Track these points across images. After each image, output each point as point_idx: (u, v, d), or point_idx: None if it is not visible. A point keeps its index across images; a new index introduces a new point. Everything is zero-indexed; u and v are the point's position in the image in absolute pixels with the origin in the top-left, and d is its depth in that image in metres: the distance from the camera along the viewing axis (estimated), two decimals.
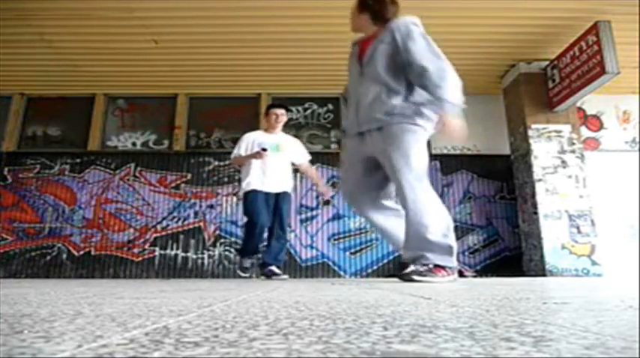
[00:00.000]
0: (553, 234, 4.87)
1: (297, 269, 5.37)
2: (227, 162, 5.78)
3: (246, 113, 5.97)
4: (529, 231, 5.18)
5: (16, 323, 0.51)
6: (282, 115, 3.90)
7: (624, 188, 5.52)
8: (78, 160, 5.83)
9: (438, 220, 2.23)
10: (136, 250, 5.48)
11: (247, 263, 3.79)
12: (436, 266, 2.17)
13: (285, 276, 3.71)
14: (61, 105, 6.08)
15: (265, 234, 3.76)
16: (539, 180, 5.05)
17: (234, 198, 5.66)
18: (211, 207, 5.64)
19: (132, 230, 5.55)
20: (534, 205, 5.03)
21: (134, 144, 5.98)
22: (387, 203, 2.54)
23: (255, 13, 4.43)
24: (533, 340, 0.40)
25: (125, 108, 6.15)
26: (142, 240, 5.51)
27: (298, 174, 5.15)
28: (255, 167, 3.71)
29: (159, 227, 5.57)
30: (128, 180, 5.75)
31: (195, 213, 5.62)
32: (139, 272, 5.39)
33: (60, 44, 5.01)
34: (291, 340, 0.40)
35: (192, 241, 5.50)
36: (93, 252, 5.46)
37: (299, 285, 1.85)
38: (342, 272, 5.42)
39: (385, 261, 5.46)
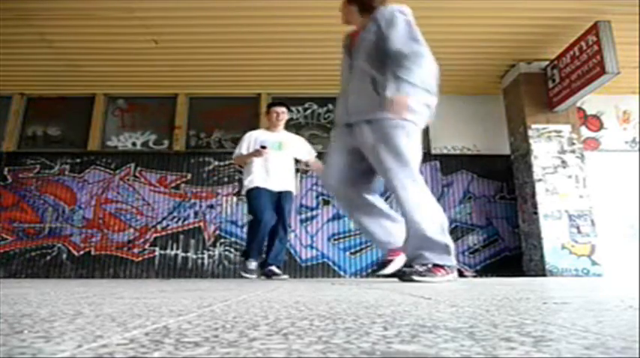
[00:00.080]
0: (553, 234, 4.87)
1: (297, 269, 5.37)
2: (227, 162, 5.78)
3: (246, 113, 5.97)
4: (529, 231, 5.18)
5: (16, 323, 0.51)
6: (282, 113, 3.87)
7: (624, 188, 5.52)
8: (78, 160, 5.83)
9: (432, 219, 2.22)
10: (136, 250, 5.48)
11: (253, 265, 3.61)
12: (435, 265, 2.16)
13: (285, 276, 3.70)
14: (61, 105, 6.08)
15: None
16: (539, 180, 5.05)
17: (234, 198, 5.66)
18: (211, 207, 5.64)
19: (132, 230, 5.55)
20: (534, 205, 5.03)
21: (134, 144, 5.98)
22: (370, 198, 2.49)
23: (256, 13, 4.43)
24: (533, 340, 0.40)
25: (125, 108, 6.15)
26: (142, 240, 5.51)
27: (299, 174, 5.15)
28: (258, 165, 3.68)
29: (159, 227, 5.57)
30: (128, 180, 5.75)
31: (195, 213, 5.62)
32: (139, 272, 5.39)
33: (60, 44, 5.01)
34: (291, 340, 0.40)
35: (192, 241, 5.50)
36: (93, 252, 5.46)
37: (299, 285, 1.85)
38: (342, 272, 5.42)
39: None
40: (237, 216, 5.58)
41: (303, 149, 3.93)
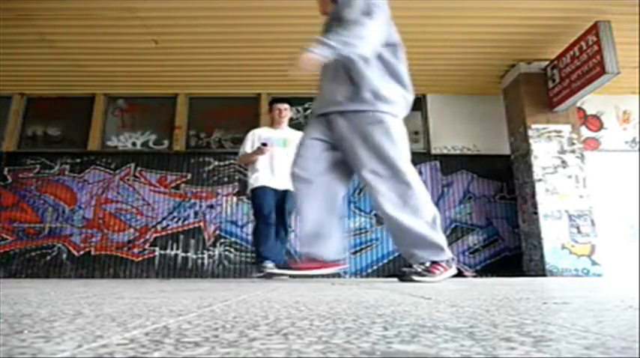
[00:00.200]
0: (553, 234, 4.87)
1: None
2: (227, 162, 5.78)
3: (246, 113, 5.97)
4: (529, 231, 5.18)
5: (16, 323, 0.51)
6: (285, 110, 3.82)
7: (624, 188, 5.52)
8: (78, 160, 5.83)
9: (420, 216, 2.16)
10: (136, 250, 5.48)
11: (270, 265, 3.45)
12: (433, 263, 2.15)
13: (286, 276, 3.68)
14: (61, 105, 6.08)
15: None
16: (539, 180, 5.05)
17: (234, 198, 5.66)
18: (211, 207, 5.64)
19: (132, 230, 5.55)
20: (534, 205, 5.03)
21: (134, 144, 5.98)
22: (335, 194, 2.35)
23: (256, 13, 4.43)
24: (533, 340, 0.40)
25: (125, 108, 6.15)
26: (142, 240, 5.51)
27: None
28: (264, 163, 3.61)
29: (159, 227, 5.57)
30: (128, 180, 5.75)
31: (195, 213, 5.62)
32: (139, 272, 5.39)
33: (60, 44, 5.01)
34: (291, 340, 0.40)
35: (192, 241, 5.50)
36: (93, 252, 5.46)
37: (299, 285, 1.85)
38: (342, 272, 5.42)
39: (385, 261, 5.46)
40: (237, 216, 5.58)
41: None
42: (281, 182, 3.57)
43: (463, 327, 0.48)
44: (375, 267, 5.44)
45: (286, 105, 3.85)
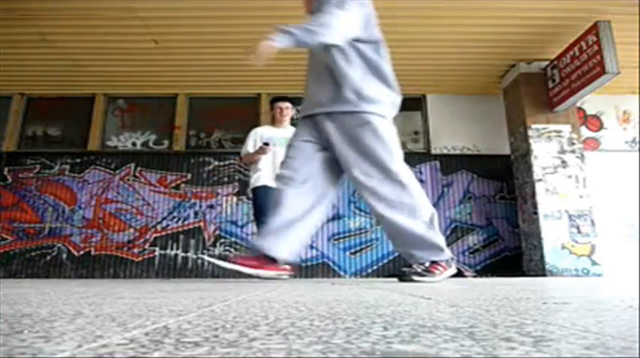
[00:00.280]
0: (553, 234, 4.87)
1: (297, 269, 5.36)
2: (227, 162, 5.78)
3: (246, 113, 5.97)
4: (529, 231, 5.18)
5: (16, 323, 0.51)
6: (287, 108, 3.77)
7: (624, 188, 5.52)
8: (78, 160, 5.83)
9: (417, 215, 2.13)
10: (136, 250, 5.48)
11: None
12: (432, 263, 2.14)
13: (286, 276, 3.67)
14: (61, 105, 6.08)
15: None
16: (539, 180, 5.05)
17: (234, 198, 5.66)
18: (211, 207, 5.64)
19: (132, 230, 5.55)
20: (534, 205, 5.03)
21: (134, 144, 5.98)
22: (323, 200, 2.29)
23: (256, 13, 4.43)
24: (533, 340, 0.40)
25: (125, 108, 6.15)
26: (142, 240, 5.51)
27: None
28: (266, 163, 3.58)
29: (159, 227, 5.57)
30: (128, 180, 5.76)
31: (195, 213, 5.62)
32: (139, 272, 5.39)
33: (60, 44, 5.01)
34: (291, 340, 0.40)
35: (192, 241, 5.50)
36: (93, 252, 5.46)
37: (299, 285, 1.85)
38: (342, 272, 5.42)
39: (385, 260, 5.46)
40: (237, 216, 5.58)
41: None
42: None
43: (463, 327, 0.48)
44: (375, 267, 5.44)
45: (288, 104, 3.81)
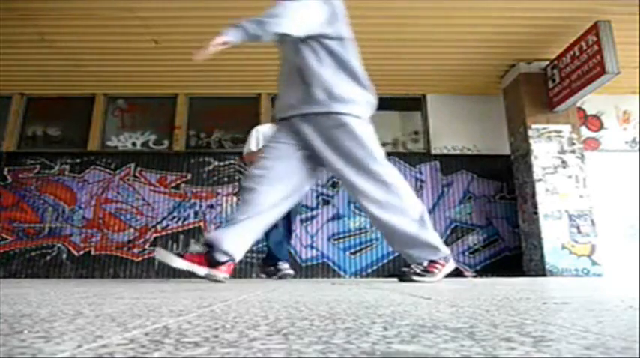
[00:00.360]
0: (553, 234, 4.87)
1: (297, 269, 5.37)
2: (227, 162, 5.78)
3: (246, 113, 5.96)
4: (529, 231, 5.18)
5: (16, 323, 0.51)
6: None
7: (624, 188, 5.52)
8: (78, 160, 5.83)
9: (408, 215, 2.10)
10: (136, 250, 5.48)
11: (285, 265, 3.44)
12: (431, 261, 2.12)
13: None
14: (61, 105, 6.08)
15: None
16: (539, 180, 5.05)
17: (235, 198, 5.66)
18: (211, 207, 5.64)
19: (132, 230, 5.55)
20: (534, 205, 5.03)
21: (134, 144, 5.98)
22: (289, 200, 2.24)
23: (255, 13, 4.43)
24: (533, 340, 0.40)
25: (125, 108, 6.15)
26: (142, 240, 5.51)
27: None
28: None
29: (159, 227, 5.57)
30: (128, 180, 5.76)
31: (195, 213, 5.62)
32: (139, 272, 5.39)
33: (60, 44, 5.01)
34: (291, 340, 0.40)
35: (193, 241, 5.50)
36: (93, 252, 5.46)
37: (299, 285, 1.85)
38: (342, 272, 5.42)
39: (385, 260, 5.46)
40: None
41: None
42: None
43: (463, 327, 0.48)
44: (375, 267, 5.44)
45: None
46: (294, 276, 3.80)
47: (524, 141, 5.28)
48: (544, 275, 4.75)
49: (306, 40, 2.11)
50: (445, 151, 5.89)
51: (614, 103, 5.96)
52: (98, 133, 5.95)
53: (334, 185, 5.60)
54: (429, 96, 6.06)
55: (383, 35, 4.81)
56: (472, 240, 5.59)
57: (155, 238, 5.52)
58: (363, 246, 5.52)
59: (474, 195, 5.75)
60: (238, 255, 2.18)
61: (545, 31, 4.81)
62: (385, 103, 6.19)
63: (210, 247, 2.11)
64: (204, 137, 6.00)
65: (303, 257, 5.46)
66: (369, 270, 5.42)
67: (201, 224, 5.57)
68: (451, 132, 5.95)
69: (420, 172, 5.80)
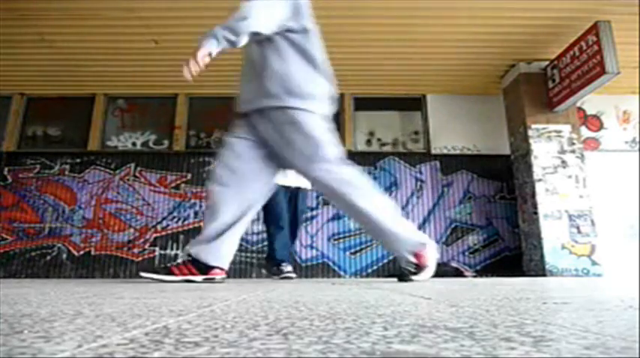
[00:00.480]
0: (553, 234, 4.87)
1: (297, 269, 5.36)
2: None
3: None
4: (529, 231, 5.18)
5: (16, 323, 0.51)
6: None
7: (624, 188, 5.52)
8: (78, 160, 5.83)
9: (379, 212, 2.05)
10: (136, 250, 5.48)
11: (289, 267, 3.37)
12: (415, 255, 2.08)
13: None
14: (61, 105, 6.08)
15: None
16: (539, 180, 5.05)
17: None
18: None
19: (132, 230, 5.55)
20: (534, 205, 5.04)
21: (134, 144, 5.98)
22: (255, 197, 2.22)
23: None
24: (533, 340, 0.40)
25: (125, 108, 6.15)
26: (142, 240, 5.51)
27: None
28: None
29: (159, 227, 5.57)
30: (128, 180, 5.76)
31: (196, 213, 5.62)
32: (139, 272, 5.38)
33: (60, 44, 5.01)
34: (291, 340, 0.40)
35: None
36: (93, 252, 5.46)
37: (299, 285, 1.85)
38: (342, 272, 5.42)
39: (385, 260, 5.46)
40: None
41: None
42: (293, 178, 3.29)
43: (463, 327, 0.48)
44: (375, 267, 5.44)
45: None
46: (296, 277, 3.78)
47: (524, 141, 5.28)
48: (544, 275, 4.75)
49: (270, 34, 2.09)
50: (445, 151, 5.90)
51: (614, 103, 5.97)
52: (98, 133, 5.96)
53: None
54: (429, 96, 6.06)
55: (383, 35, 4.81)
56: (472, 240, 5.59)
57: (155, 238, 5.52)
58: (363, 246, 5.52)
59: (474, 195, 5.75)
60: (226, 265, 2.20)
61: (545, 31, 4.81)
62: (385, 103, 6.23)
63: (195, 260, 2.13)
64: (204, 137, 6.00)
65: (303, 257, 5.46)
66: (369, 270, 5.42)
67: (202, 224, 5.56)
68: (451, 132, 5.95)
69: (420, 172, 5.80)
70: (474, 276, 4.99)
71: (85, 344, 0.37)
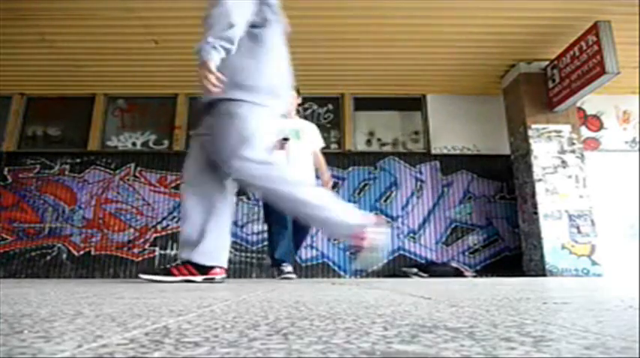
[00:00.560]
0: (553, 234, 4.87)
1: (297, 269, 5.36)
2: None
3: None
4: (529, 231, 5.18)
5: (16, 323, 0.51)
6: (293, 98, 3.48)
7: (624, 188, 5.52)
8: (78, 160, 5.83)
9: (317, 203, 1.99)
10: (136, 250, 5.48)
11: (289, 268, 3.33)
12: (353, 237, 2.01)
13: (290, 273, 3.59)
14: (61, 105, 6.08)
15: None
16: (539, 180, 5.05)
17: (234, 198, 5.65)
18: None
19: (132, 230, 5.55)
20: (534, 205, 5.03)
21: (134, 144, 5.98)
22: (220, 194, 2.23)
23: None
24: (533, 340, 0.40)
25: (125, 108, 6.15)
26: (142, 240, 5.51)
27: None
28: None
29: (159, 227, 5.57)
30: (128, 180, 5.76)
31: None
32: (139, 272, 5.38)
33: (60, 44, 5.01)
34: (291, 340, 0.40)
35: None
36: (93, 252, 5.46)
37: (299, 285, 1.85)
38: (342, 273, 5.42)
39: (385, 260, 5.46)
40: (237, 216, 5.58)
41: (317, 138, 3.64)
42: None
43: (463, 327, 0.48)
44: (375, 267, 5.44)
45: (293, 93, 3.49)
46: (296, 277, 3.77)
47: (524, 141, 5.28)
48: (544, 275, 4.75)
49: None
50: (445, 151, 5.90)
51: (614, 103, 5.97)
52: (98, 133, 5.96)
53: (334, 185, 5.59)
54: (429, 96, 6.06)
55: (383, 35, 4.81)
56: (472, 240, 5.59)
57: (155, 238, 5.52)
58: None
59: (474, 195, 5.75)
60: (224, 262, 2.21)
61: (545, 31, 4.81)
62: (385, 103, 6.23)
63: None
64: None
65: (303, 257, 5.46)
66: (369, 270, 5.42)
67: None
68: (451, 132, 5.95)
69: (420, 172, 5.80)
70: (474, 276, 4.99)
71: (85, 344, 0.37)
